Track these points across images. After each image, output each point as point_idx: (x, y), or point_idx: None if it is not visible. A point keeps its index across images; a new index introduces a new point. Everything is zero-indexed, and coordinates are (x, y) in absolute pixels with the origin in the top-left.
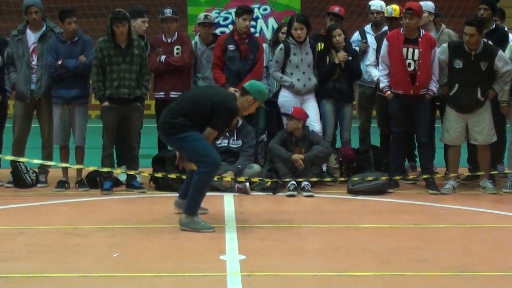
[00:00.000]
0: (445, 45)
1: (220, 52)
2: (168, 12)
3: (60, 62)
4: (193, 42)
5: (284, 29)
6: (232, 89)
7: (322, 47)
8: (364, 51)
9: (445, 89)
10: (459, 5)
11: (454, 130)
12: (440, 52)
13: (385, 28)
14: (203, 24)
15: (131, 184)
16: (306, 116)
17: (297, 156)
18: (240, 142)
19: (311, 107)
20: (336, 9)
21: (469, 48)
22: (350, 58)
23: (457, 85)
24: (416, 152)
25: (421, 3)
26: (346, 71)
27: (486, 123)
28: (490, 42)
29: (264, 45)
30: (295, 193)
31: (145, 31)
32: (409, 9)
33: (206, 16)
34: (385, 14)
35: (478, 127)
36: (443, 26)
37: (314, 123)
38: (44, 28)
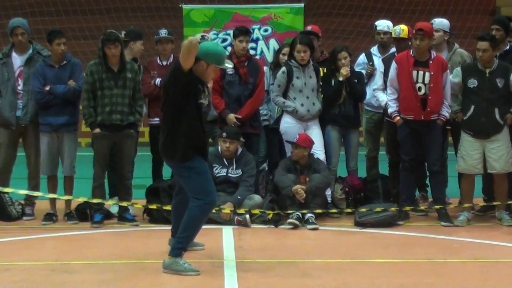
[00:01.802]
0: (458, 68)
1: (218, 77)
2: (163, 32)
3: (47, 88)
4: None
5: (285, 50)
6: (232, 116)
7: (326, 71)
8: (370, 74)
9: (460, 115)
10: (471, 26)
11: (471, 157)
12: (454, 75)
13: (393, 49)
14: None
15: (123, 216)
16: (312, 143)
17: (298, 187)
18: (239, 171)
19: (315, 134)
20: (309, 27)
21: (483, 66)
22: (355, 80)
23: (472, 107)
24: (427, 181)
25: (436, 20)
26: (350, 92)
27: (504, 150)
28: None
29: (265, 68)
30: (297, 222)
31: (141, 54)
32: (419, 30)
33: (203, 37)
34: (393, 35)
35: (496, 153)
36: (456, 45)
37: (318, 152)
38: (30, 51)
